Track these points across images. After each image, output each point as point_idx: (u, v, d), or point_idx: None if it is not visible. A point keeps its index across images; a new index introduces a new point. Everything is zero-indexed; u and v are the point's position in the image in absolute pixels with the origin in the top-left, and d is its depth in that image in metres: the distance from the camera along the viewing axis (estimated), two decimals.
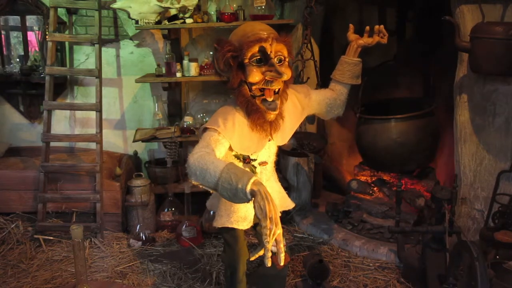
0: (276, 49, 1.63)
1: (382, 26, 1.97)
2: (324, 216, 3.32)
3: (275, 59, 1.63)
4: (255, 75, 1.61)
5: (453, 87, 2.60)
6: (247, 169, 1.78)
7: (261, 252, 1.73)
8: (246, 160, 1.77)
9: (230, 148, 1.70)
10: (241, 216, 1.84)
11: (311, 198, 3.49)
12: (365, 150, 3.33)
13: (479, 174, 2.56)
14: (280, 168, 3.51)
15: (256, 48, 1.60)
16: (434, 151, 3.27)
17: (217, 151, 1.58)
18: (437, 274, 2.27)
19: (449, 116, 2.77)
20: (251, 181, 1.34)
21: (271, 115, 1.68)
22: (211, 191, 1.49)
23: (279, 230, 1.29)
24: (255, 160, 1.79)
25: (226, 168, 1.40)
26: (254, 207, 1.32)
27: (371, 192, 3.30)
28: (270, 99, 1.65)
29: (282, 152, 1.97)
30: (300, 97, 1.89)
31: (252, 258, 1.33)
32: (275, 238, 1.29)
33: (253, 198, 1.33)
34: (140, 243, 3.01)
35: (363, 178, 3.48)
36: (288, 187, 3.41)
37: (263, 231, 1.28)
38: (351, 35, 2.03)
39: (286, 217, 3.27)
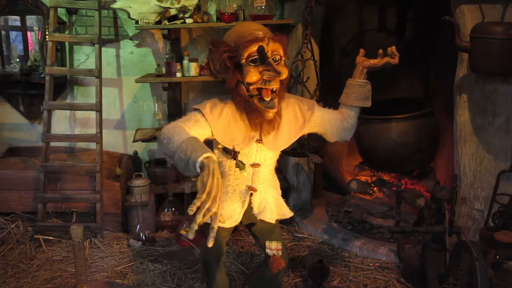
0: (273, 49, 1.63)
1: (394, 47, 1.88)
2: (324, 216, 3.32)
3: (271, 59, 1.62)
4: (253, 75, 1.61)
5: (453, 87, 2.60)
6: (237, 168, 1.76)
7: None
8: (231, 153, 1.75)
9: (217, 141, 1.71)
10: (226, 215, 1.84)
11: (311, 198, 3.49)
12: (365, 150, 3.33)
13: (479, 174, 2.56)
14: (280, 168, 3.51)
15: (253, 48, 1.59)
16: (434, 151, 3.27)
17: (193, 129, 1.61)
18: (437, 274, 2.27)
19: (449, 116, 2.77)
20: (204, 155, 1.33)
21: (270, 113, 1.67)
22: (171, 162, 1.48)
23: (214, 209, 1.25)
24: (238, 152, 1.75)
25: (187, 139, 1.42)
26: (197, 180, 1.30)
27: (371, 192, 3.30)
28: (267, 99, 1.65)
29: (282, 152, 1.95)
30: (303, 108, 1.85)
31: (182, 232, 1.32)
32: (209, 216, 1.24)
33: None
34: (140, 243, 3.01)
35: (363, 178, 3.48)
36: (288, 187, 3.41)
37: (194, 201, 1.24)
38: (359, 58, 1.94)
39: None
